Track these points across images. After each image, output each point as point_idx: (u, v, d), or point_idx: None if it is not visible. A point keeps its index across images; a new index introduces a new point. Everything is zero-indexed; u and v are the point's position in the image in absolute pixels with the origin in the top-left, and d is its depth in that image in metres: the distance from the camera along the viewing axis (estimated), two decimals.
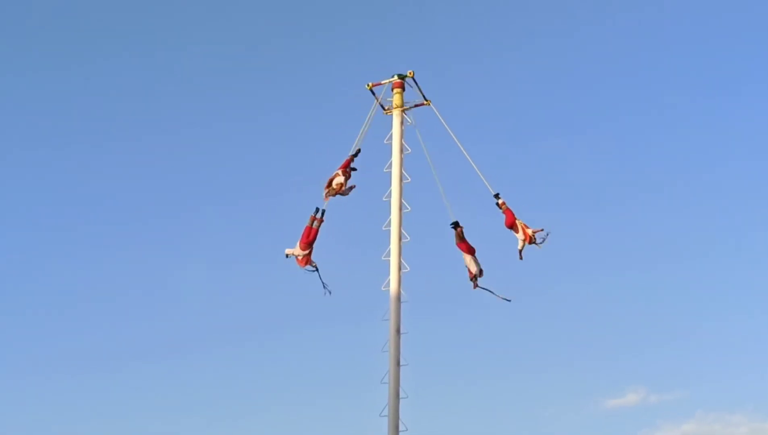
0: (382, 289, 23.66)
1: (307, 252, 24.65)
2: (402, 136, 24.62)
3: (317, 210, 24.70)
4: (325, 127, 53.60)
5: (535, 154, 57.31)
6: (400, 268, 23.66)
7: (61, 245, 55.55)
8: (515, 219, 24.83)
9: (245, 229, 52.45)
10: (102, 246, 55.39)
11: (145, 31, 60.84)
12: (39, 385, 48.92)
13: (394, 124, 24.67)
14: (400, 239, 23.84)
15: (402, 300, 23.52)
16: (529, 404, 47.55)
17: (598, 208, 55.72)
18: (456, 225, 24.78)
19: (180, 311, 52.43)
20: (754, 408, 47.69)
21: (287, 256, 24.75)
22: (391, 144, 24.58)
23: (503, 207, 24.94)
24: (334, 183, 24.46)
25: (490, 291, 24.67)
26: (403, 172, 24.39)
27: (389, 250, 23.80)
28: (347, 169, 24.64)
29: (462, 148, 24.81)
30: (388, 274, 23.64)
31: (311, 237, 24.60)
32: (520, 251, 24.84)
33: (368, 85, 25.08)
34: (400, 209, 24.07)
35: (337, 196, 24.61)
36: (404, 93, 25.02)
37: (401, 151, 24.49)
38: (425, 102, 24.94)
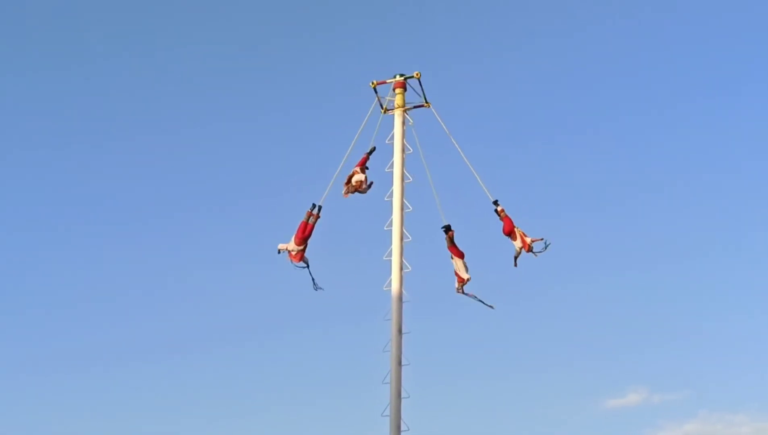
0: (384, 289, 23.67)
1: (301, 248, 24.57)
2: (403, 136, 24.64)
3: (314, 205, 24.65)
4: (325, 127, 53.64)
5: (535, 154, 57.37)
6: (401, 268, 23.67)
7: (61, 245, 55.58)
8: (514, 227, 24.84)
9: (245, 229, 52.45)
10: (102, 246, 55.45)
11: (145, 31, 60.87)
12: (38, 384, 48.98)
13: (396, 124, 24.69)
14: (401, 239, 23.85)
15: (404, 300, 23.53)
16: (531, 404, 47.60)
17: (598, 208, 55.79)
18: (447, 228, 24.76)
19: (180, 311, 52.50)
20: (757, 408, 47.75)
21: (279, 251, 24.64)
22: (392, 144, 24.61)
23: (502, 214, 24.93)
24: (353, 180, 24.38)
25: (474, 297, 24.63)
26: (405, 172, 24.42)
27: (391, 250, 23.82)
28: (365, 167, 24.58)
29: (461, 153, 24.87)
30: (390, 274, 23.65)
31: (307, 233, 24.53)
32: (515, 258, 24.90)
33: (372, 83, 25.06)
34: (402, 209, 24.08)
35: (356, 193, 24.51)
36: (404, 93, 25.09)
37: (403, 151, 24.50)
38: (425, 104, 24.93)
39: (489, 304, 24.47)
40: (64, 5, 60.70)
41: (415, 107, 24.98)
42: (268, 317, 50.52)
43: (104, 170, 57.94)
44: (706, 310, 52.28)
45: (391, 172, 24.39)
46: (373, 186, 24.65)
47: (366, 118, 25.04)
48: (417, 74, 24.86)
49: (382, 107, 24.99)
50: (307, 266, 24.66)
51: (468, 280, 24.48)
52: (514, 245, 24.83)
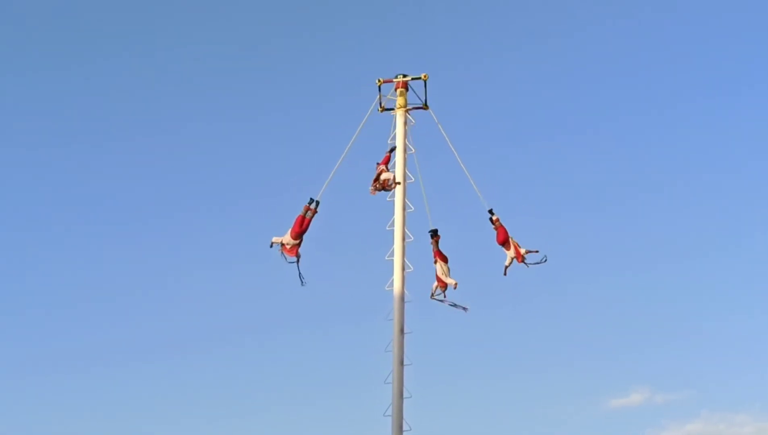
0: (386, 288, 23.68)
1: (297, 242, 24.53)
2: (405, 137, 24.65)
3: (311, 200, 24.60)
4: (325, 127, 53.64)
5: (535, 154, 57.38)
6: (403, 268, 23.68)
7: (61, 245, 55.54)
8: (509, 236, 24.85)
9: (245, 229, 52.41)
10: (102, 246, 55.41)
11: (145, 31, 60.82)
12: (38, 384, 48.93)
13: (398, 125, 24.71)
14: (403, 239, 23.85)
15: (406, 300, 23.55)
16: (533, 404, 47.58)
17: (598, 208, 55.80)
18: (434, 233, 24.71)
19: (180, 311, 52.47)
20: (760, 408, 47.76)
21: (272, 244, 24.57)
22: (394, 144, 24.61)
23: (497, 223, 24.93)
24: (382, 178, 24.32)
25: (449, 304, 24.60)
26: (407, 172, 24.44)
27: (393, 250, 23.84)
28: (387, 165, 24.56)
29: (458, 159, 24.94)
30: (392, 274, 23.67)
31: (303, 227, 24.52)
32: (506, 268, 24.95)
33: (378, 81, 25.03)
34: (404, 209, 24.09)
35: (383, 190, 24.43)
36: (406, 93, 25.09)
37: (405, 151, 24.51)
38: (424, 106, 24.92)
39: (462, 306, 24.38)
40: (64, 5, 60.72)
41: (414, 108, 25.00)
42: (269, 317, 50.54)
43: (104, 170, 57.94)
44: (708, 310, 52.34)
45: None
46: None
47: (366, 117, 25.07)
48: (424, 76, 24.85)
49: (381, 106, 24.99)
50: (298, 261, 24.61)
51: (455, 285, 24.39)
52: (506, 255, 24.89)
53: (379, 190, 24.38)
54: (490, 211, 25.02)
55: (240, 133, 58.20)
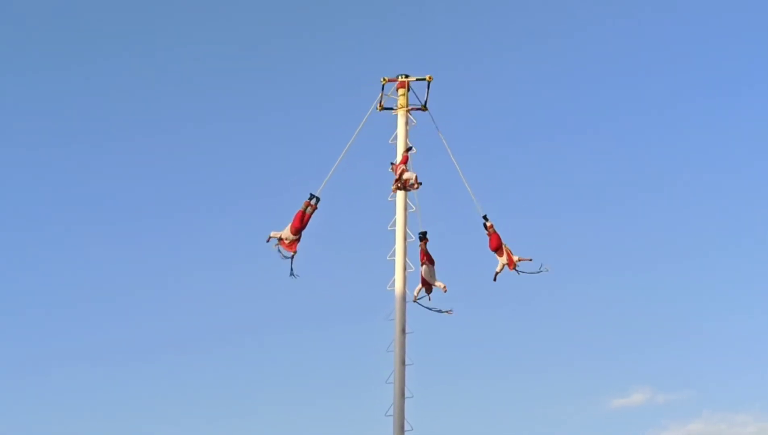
0: (388, 288, 23.74)
1: (296, 238, 24.54)
2: (407, 137, 24.66)
3: (311, 196, 24.58)
4: (325, 127, 53.64)
5: (535, 155, 57.41)
6: (405, 268, 23.72)
7: (61, 245, 55.55)
8: (501, 243, 24.84)
9: (245, 229, 52.43)
10: (102, 246, 55.41)
11: (145, 31, 60.85)
12: (38, 384, 48.95)
13: (399, 125, 24.74)
14: (405, 239, 23.89)
15: (407, 299, 23.58)
16: (534, 404, 47.60)
17: (598, 208, 55.82)
18: (423, 236, 24.72)
19: (180, 311, 52.48)
20: (761, 407, 47.78)
21: (269, 238, 24.49)
22: (396, 144, 24.63)
23: (490, 229, 24.93)
24: (404, 177, 24.26)
25: (434, 309, 24.58)
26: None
27: (394, 250, 23.85)
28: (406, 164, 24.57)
29: (455, 162, 25.01)
30: (393, 274, 23.70)
31: (303, 223, 24.51)
32: (497, 274, 24.97)
33: (383, 80, 25.00)
34: (405, 209, 24.12)
35: (404, 190, 24.41)
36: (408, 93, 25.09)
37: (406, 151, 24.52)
38: (422, 108, 24.91)
39: (446, 310, 24.28)
40: (64, 5, 60.72)
41: (412, 109, 25.00)
42: (270, 317, 50.56)
43: (104, 170, 57.96)
44: (709, 310, 52.38)
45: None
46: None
47: (366, 117, 25.08)
48: (429, 77, 24.85)
49: (380, 104, 24.98)
50: (292, 257, 24.56)
51: (444, 288, 24.31)
52: (498, 261, 24.89)
53: (401, 189, 24.38)
54: (485, 217, 25.05)
55: (240, 133, 58.26)
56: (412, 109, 24.89)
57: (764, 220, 53.79)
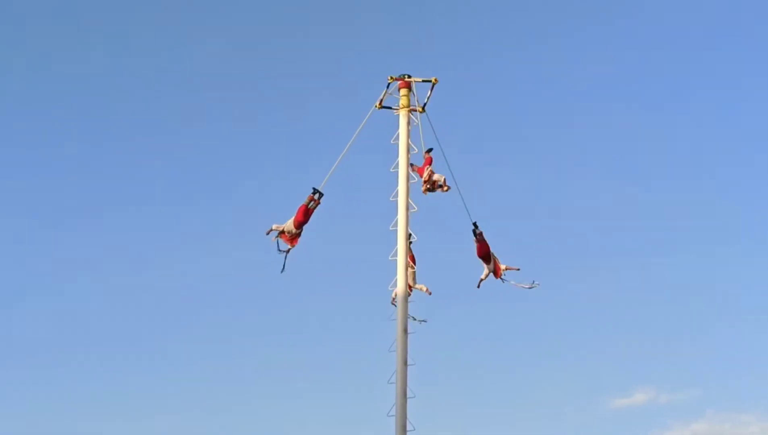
0: (389, 288, 23.71)
1: (298, 232, 24.51)
2: (408, 137, 24.65)
3: (315, 190, 24.57)
4: (326, 127, 53.71)
5: (535, 155, 57.47)
6: (407, 268, 23.68)
7: (61, 245, 55.59)
8: (490, 251, 24.84)
9: (245, 229, 52.45)
10: (102, 245, 55.46)
11: (145, 31, 60.91)
12: (37, 381, 49.04)
13: (401, 124, 24.69)
14: (406, 239, 23.85)
15: (409, 299, 23.55)
16: (537, 404, 47.65)
17: (600, 208, 55.88)
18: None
19: (180, 310, 52.56)
20: (765, 407, 47.81)
21: (270, 231, 24.41)
22: (397, 144, 24.62)
23: (479, 237, 24.93)
24: (434, 178, 24.34)
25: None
26: (410, 172, 24.42)
27: (396, 250, 23.83)
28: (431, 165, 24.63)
29: (449, 167, 25.04)
30: (395, 274, 23.63)
31: (307, 217, 24.47)
32: (481, 281, 25.06)
33: (390, 78, 24.95)
34: (407, 209, 24.07)
35: (435, 191, 24.61)
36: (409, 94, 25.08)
37: (408, 151, 24.48)
38: (420, 109, 24.88)
39: (421, 319, 24.26)
40: (64, 5, 60.73)
41: (411, 110, 24.97)
42: (272, 317, 50.62)
43: (104, 170, 58.03)
44: (713, 310, 52.43)
45: (396, 172, 24.37)
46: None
47: (367, 117, 25.05)
48: (435, 79, 24.83)
49: (379, 103, 24.96)
50: (288, 251, 24.53)
51: (427, 290, 24.27)
52: (484, 268, 24.90)
53: (431, 191, 24.40)
54: (474, 225, 25.07)
55: (240, 133, 58.30)
56: (411, 109, 24.89)
57: None
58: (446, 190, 24.50)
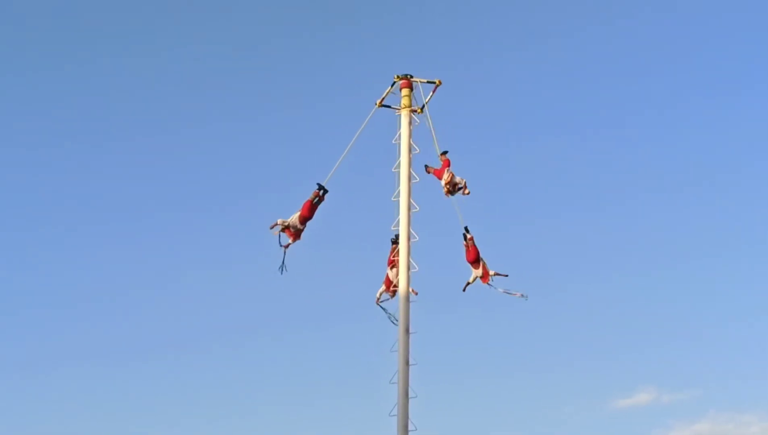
0: (391, 288, 23.69)
1: (302, 227, 24.49)
2: (410, 136, 24.63)
3: (320, 186, 24.58)
4: (326, 127, 53.67)
5: (535, 154, 57.43)
6: (409, 268, 23.68)
7: (61, 245, 55.54)
8: (479, 256, 24.86)
9: (245, 229, 52.42)
10: (102, 246, 55.42)
11: (145, 31, 60.84)
12: (38, 384, 48.97)
13: (403, 124, 24.69)
14: (408, 239, 23.85)
15: (411, 299, 23.54)
16: (539, 404, 47.61)
17: (601, 208, 55.86)
18: (395, 240, 24.50)
19: (180, 311, 52.49)
20: (767, 408, 47.71)
21: (274, 225, 24.33)
22: (399, 144, 24.62)
23: (470, 242, 24.93)
24: (455, 180, 24.36)
25: (386, 312, 24.56)
26: (412, 171, 24.42)
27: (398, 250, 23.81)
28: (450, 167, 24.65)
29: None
30: (398, 274, 23.67)
31: (311, 213, 24.47)
32: (468, 284, 25.12)
33: (396, 77, 24.92)
34: (409, 209, 24.08)
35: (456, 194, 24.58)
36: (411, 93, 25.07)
37: (409, 151, 24.48)
38: (418, 110, 24.86)
39: (395, 321, 24.11)
40: (64, 5, 60.69)
41: (411, 110, 24.95)
42: (273, 317, 50.58)
43: (104, 170, 57.99)
44: (715, 309, 52.34)
45: (398, 172, 24.37)
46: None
47: (369, 117, 25.04)
48: (438, 81, 24.81)
49: (380, 101, 24.94)
50: (287, 246, 24.48)
51: (413, 291, 24.20)
52: (472, 272, 24.93)
53: (452, 194, 24.48)
54: (465, 229, 25.09)
55: (240, 133, 58.28)
56: (414, 110, 24.90)
57: None
58: (467, 194, 24.47)
